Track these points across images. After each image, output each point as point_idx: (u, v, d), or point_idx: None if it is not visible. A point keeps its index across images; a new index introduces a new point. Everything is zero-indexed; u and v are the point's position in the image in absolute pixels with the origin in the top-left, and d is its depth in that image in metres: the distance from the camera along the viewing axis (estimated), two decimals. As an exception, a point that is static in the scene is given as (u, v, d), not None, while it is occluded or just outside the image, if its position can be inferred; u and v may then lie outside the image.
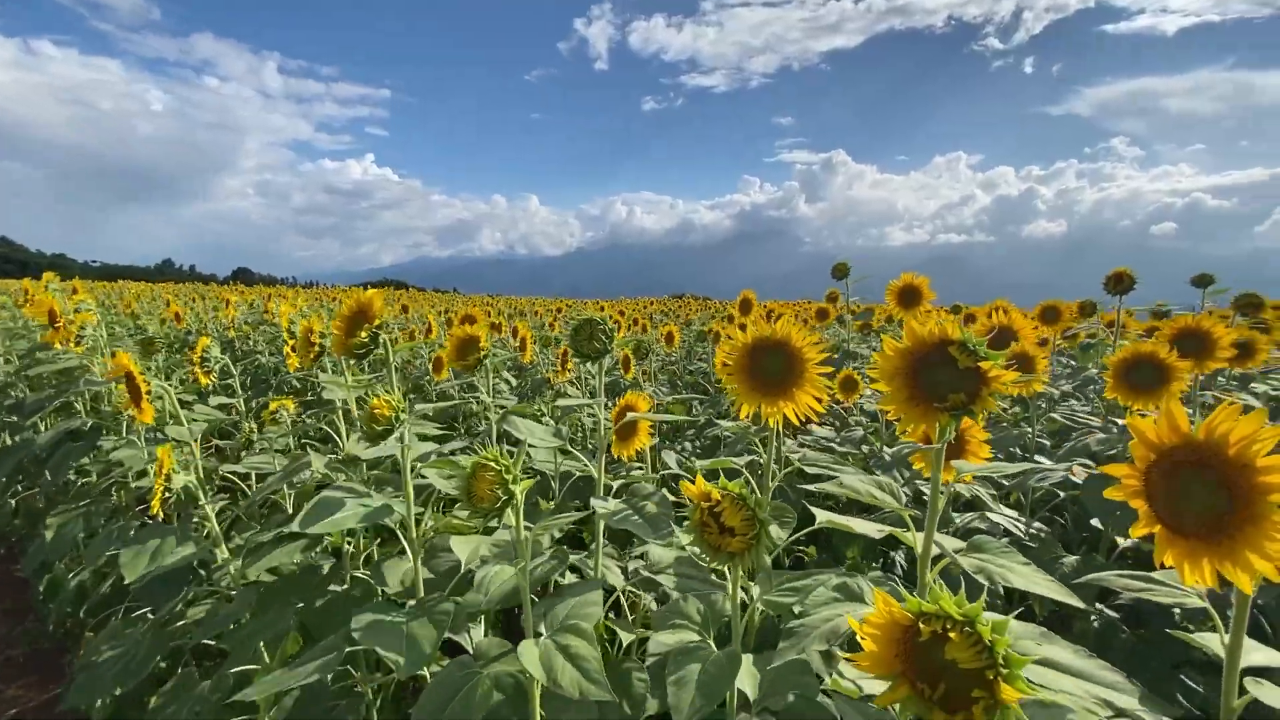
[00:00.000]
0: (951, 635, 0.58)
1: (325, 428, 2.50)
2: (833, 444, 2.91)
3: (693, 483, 0.93)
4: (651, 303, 17.36)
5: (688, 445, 3.54)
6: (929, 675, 0.62)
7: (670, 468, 3.05)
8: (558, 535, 1.52)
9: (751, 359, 1.23)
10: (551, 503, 2.16)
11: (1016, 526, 1.98)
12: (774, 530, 1.31)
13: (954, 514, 2.21)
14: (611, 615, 1.69)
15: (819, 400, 1.18)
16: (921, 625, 0.60)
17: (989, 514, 1.94)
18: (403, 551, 1.74)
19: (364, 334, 1.44)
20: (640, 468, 1.98)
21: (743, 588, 1.26)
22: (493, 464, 0.95)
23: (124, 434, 2.99)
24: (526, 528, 1.07)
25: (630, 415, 1.38)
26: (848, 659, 0.66)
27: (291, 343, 4.28)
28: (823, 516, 1.25)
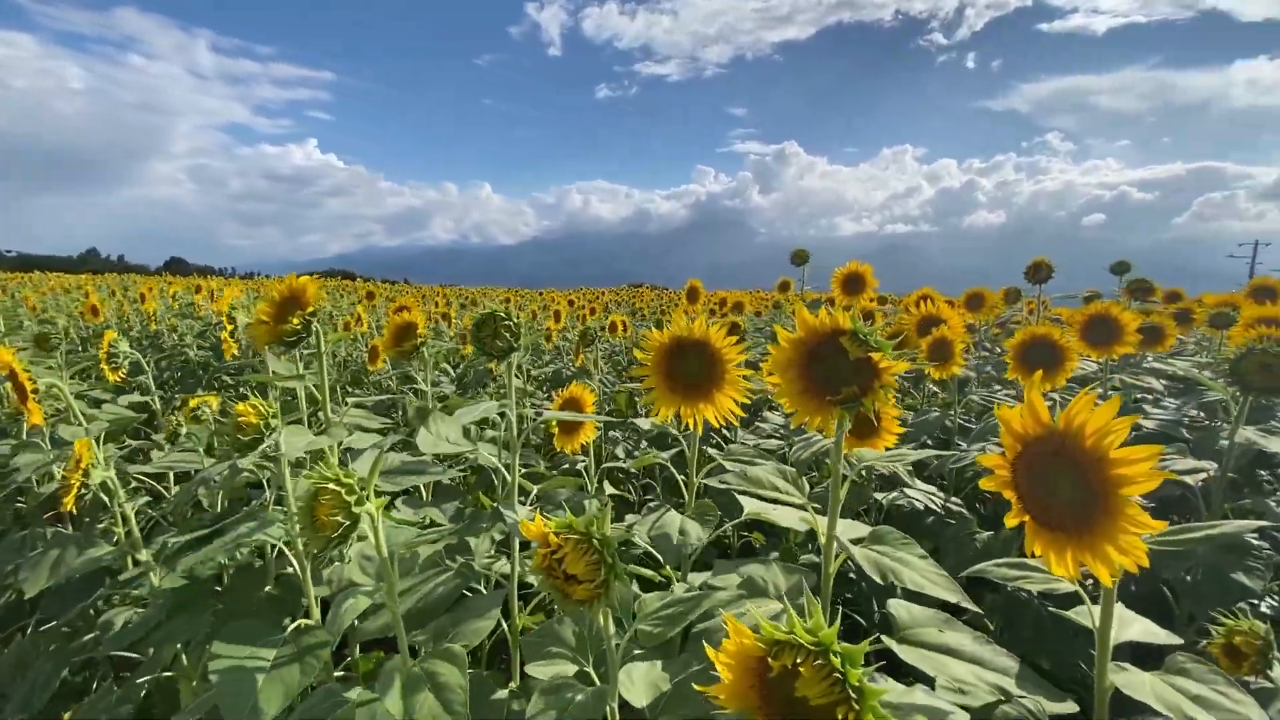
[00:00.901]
0: (802, 670, 0.55)
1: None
2: (775, 434, 2.94)
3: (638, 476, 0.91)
4: (605, 292, 17.27)
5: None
6: (784, 709, 0.60)
7: (619, 459, 3.03)
8: (497, 538, 1.48)
9: (670, 360, 1.18)
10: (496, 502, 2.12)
11: (933, 501, 2.05)
12: (693, 529, 1.31)
13: (876, 494, 2.27)
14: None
15: (739, 403, 1.16)
16: (771, 660, 0.57)
17: (906, 490, 2.00)
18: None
19: (296, 321, 1.36)
20: (584, 461, 1.96)
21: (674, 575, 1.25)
22: (333, 484, 0.86)
23: (23, 436, 2.79)
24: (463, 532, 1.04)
25: (547, 415, 1.35)
26: (701, 690, 0.64)
27: (230, 328, 4.06)
28: (751, 507, 1.24)
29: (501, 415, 1.32)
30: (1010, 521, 0.85)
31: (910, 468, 2.14)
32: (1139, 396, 2.97)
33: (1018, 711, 0.85)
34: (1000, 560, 0.96)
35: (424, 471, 1.23)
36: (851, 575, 2.08)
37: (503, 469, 1.30)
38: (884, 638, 0.99)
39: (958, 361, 2.52)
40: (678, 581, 1.50)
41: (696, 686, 0.84)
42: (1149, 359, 3.41)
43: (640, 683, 1.04)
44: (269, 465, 1.89)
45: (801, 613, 1.13)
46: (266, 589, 1.73)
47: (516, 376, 4.17)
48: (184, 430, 2.20)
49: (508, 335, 1.19)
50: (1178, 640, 0.93)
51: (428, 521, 1.58)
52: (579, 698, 0.93)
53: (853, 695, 0.55)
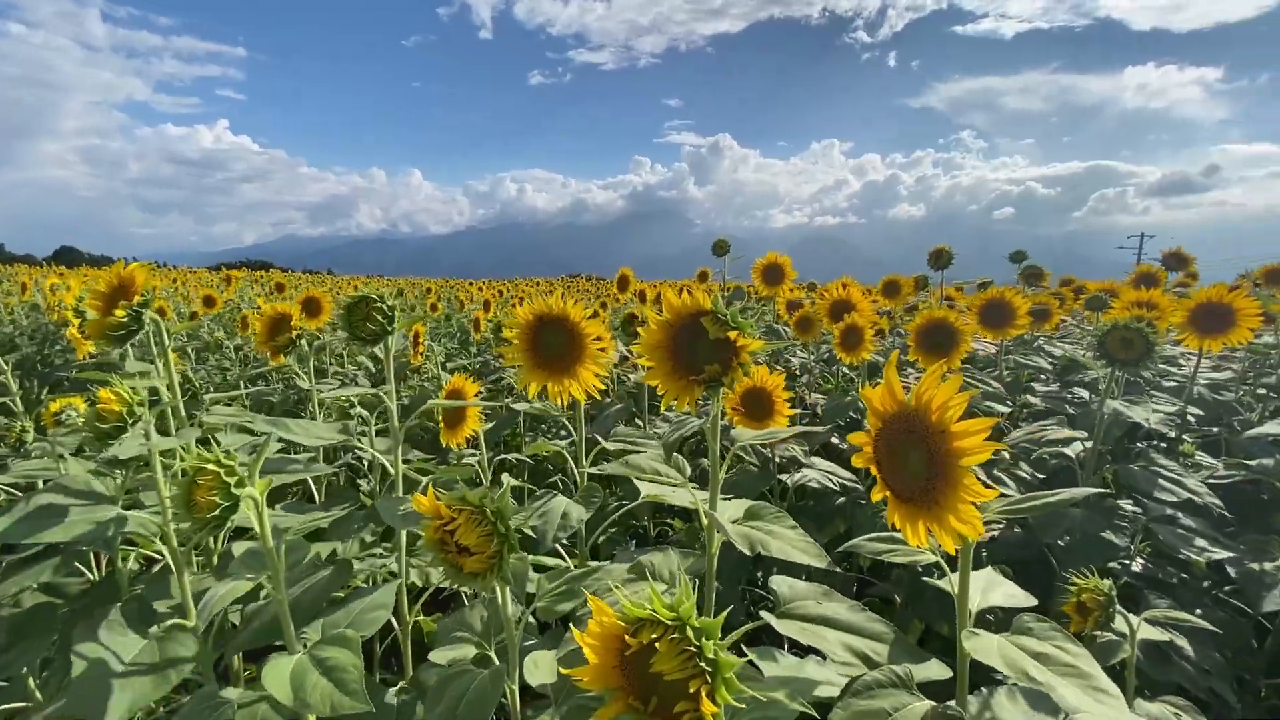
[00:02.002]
0: (658, 645, 0.56)
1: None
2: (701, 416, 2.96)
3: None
4: (541, 283, 17.03)
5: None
6: (644, 686, 0.59)
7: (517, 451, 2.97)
8: (369, 539, 1.41)
9: (534, 336, 1.19)
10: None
11: (831, 480, 2.10)
12: (575, 511, 1.29)
13: (780, 475, 2.32)
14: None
15: (600, 377, 1.16)
16: (627, 638, 0.57)
17: (806, 469, 2.05)
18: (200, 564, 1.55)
19: (121, 312, 1.23)
20: (474, 454, 1.90)
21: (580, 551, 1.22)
22: (211, 465, 0.81)
23: None
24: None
25: (432, 403, 1.29)
26: (567, 673, 0.63)
27: (77, 323, 3.71)
28: (648, 490, 1.23)
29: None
30: (875, 495, 0.87)
31: (806, 447, 2.19)
32: (1030, 374, 3.16)
33: (887, 677, 0.87)
34: (871, 535, 0.98)
35: (283, 469, 1.14)
36: (764, 555, 2.11)
37: (384, 461, 1.23)
38: (763, 613, 0.99)
39: (867, 347, 2.61)
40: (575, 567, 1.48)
41: (561, 669, 0.81)
42: (1040, 341, 3.64)
43: (544, 665, 1.02)
44: (106, 471, 1.74)
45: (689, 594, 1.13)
46: (137, 594, 1.59)
47: (443, 369, 3.99)
48: (30, 436, 1.99)
49: (380, 319, 1.12)
50: (1032, 601, 0.98)
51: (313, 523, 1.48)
52: (477, 680, 0.89)
53: (707, 668, 0.55)
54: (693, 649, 0.56)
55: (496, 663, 0.89)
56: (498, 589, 0.84)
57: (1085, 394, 2.95)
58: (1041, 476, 2.27)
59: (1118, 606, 1.16)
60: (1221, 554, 1.78)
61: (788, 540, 0.90)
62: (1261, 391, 2.72)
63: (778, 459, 2.14)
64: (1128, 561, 2.06)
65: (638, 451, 1.19)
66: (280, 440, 1.37)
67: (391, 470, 1.21)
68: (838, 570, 0.97)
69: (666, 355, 0.91)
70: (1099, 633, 1.22)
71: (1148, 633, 1.27)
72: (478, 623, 0.98)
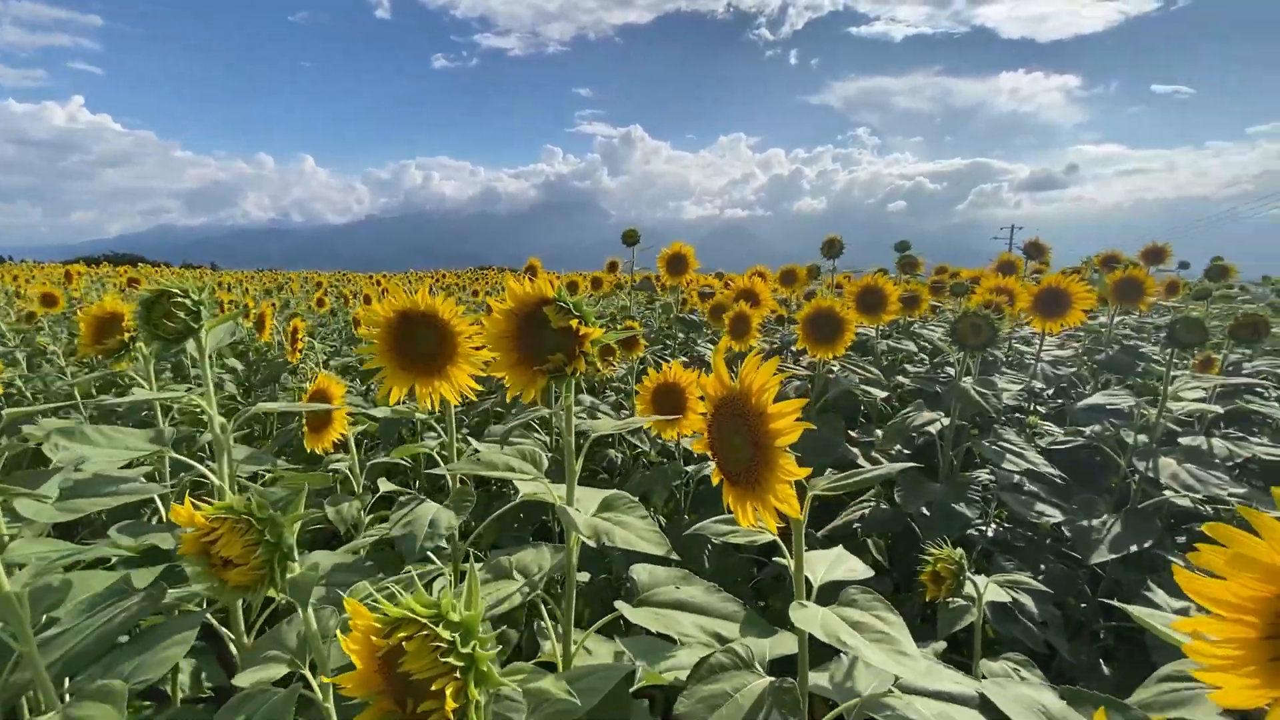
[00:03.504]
0: (406, 645, 0.53)
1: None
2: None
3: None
4: (446, 275, 16.41)
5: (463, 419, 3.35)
6: (402, 688, 0.56)
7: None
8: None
9: (399, 334, 1.12)
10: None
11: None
12: (444, 518, 1.23)
13: (687, 466, 2.35)
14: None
15: (476, 377, 1.11)
16: (375, 639, 0.54)
17: (708, 460, 2.08)
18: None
19: None
20: (343, 459, 1.78)
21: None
22: None
23: None
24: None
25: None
26: (329, 681, 0.59)
27: None
28: (526, 489, 1.19)
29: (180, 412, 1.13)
30: (714, 479, 0.88)
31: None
32: (905, 357, 3.38)
33: (730, 658, 0.89)
34: (716, 518, 1.00)
35: (99, 493, 1.00)
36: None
37: (209, 473, 1.12)
38: (617, 603, 0.99)
39: (753, 335, 2.69)
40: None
41: (324, 678, 0.77)
42: (916, 326, 3.89)
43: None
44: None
45: (540, 587, 1.10)
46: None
47: (325, 368, 3.74)
48: None
49: (183, 315, 1.00)
50: (869, 574, 1.03)
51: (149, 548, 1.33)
52: (271, 701, 0.82)
53: (458, 665, 0.53)
54: (444, 645, 0.54)
55: (312, 680, 0.83)
56: (298, 606, 0.78)
57: (953, 373, 3.19)
58: (907, 452, 2.43)
59: (968, 573, 1.25)
60: (1057, 515, 1.97)
61: (635, 530, 0.90)
62: (1095, 367, 3.04)
63: (683, 450, 2.16)
64: (984, 528, 2.24)
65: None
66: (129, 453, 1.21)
67: (218, 480, 1.10)
68: (674, 558, 0.98)
69: (512, 346, 0.88)
70: (952, 599, 1.31)
71: (995, 594, 1.37)
72: (293, 639, 0.91)
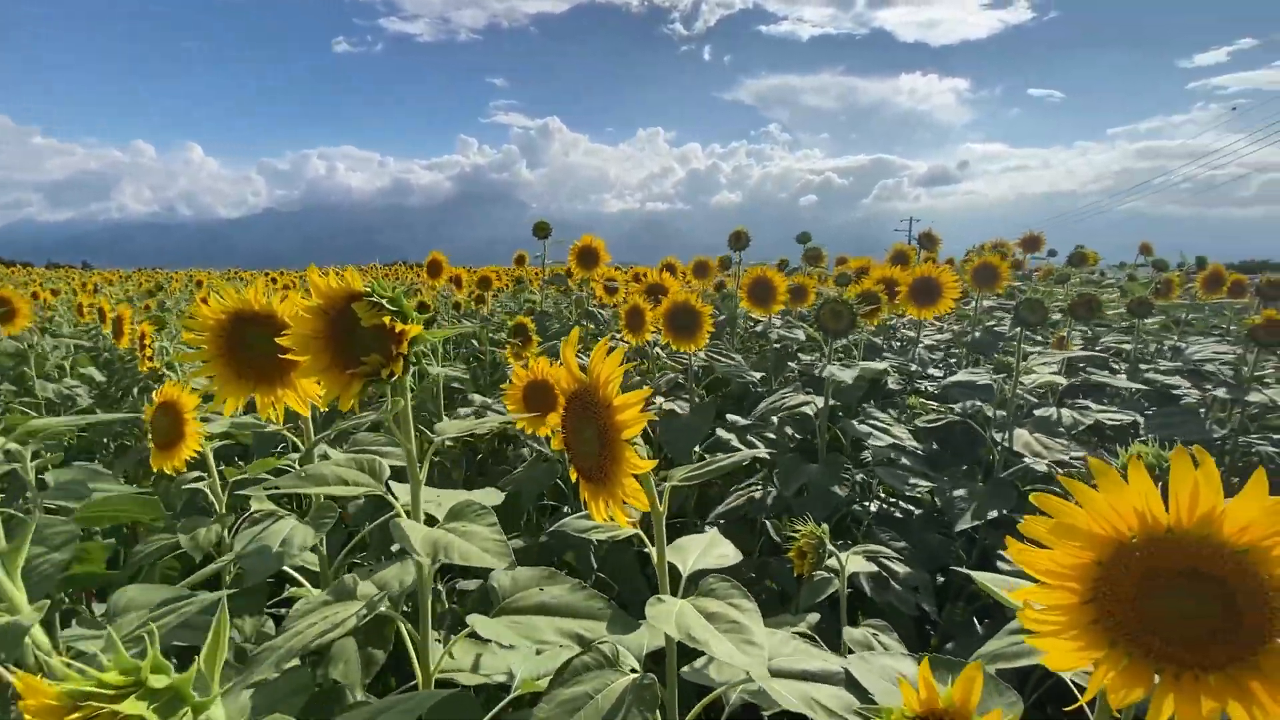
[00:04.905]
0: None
1: None
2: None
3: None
4: (347, 270, 15.46)
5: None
6: None
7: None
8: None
9: (232, 338, 1.01)
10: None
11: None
12: (300, 536, 1.13)
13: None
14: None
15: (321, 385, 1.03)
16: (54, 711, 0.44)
17: None
18: None
19: None
20: (204, 477, 1.62)
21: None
22: None
23: None
24: None
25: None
26: None
27: None
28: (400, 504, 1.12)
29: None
30: (572, 475, 0.85)
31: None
32: (799, 346, 3.50)
33: (594, 659, 0.86)
34: (578, 514, 0.97)
35: None
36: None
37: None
38: (469, 617, 0.94)
39: (648, 329, 2.69)
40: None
41: None
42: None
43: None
44: None
45: (399, 604, 1.03)
46: None
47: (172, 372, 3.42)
48: None
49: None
50: (739, 558, 1.03)
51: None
52: None
53: None
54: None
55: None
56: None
57: (843, 360, 3.35)
58: (800, 436, 2.52)
59: (829, 547, 1.30)
60: (928, 486, 2.09)
61: (477, 540, 0.85)
62: (961, 350, 3.28)
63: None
64: (866, 504, 2.36)
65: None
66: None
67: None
68: (523, 567, 0.95)
69: (324, 347, 0.81)
70: (817, 572, 1.36)
71: (859, 565, 1.44)
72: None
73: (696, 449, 2.27)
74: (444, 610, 1.67)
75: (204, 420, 1.70)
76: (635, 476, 0.71)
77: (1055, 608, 0.53)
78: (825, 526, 1.29)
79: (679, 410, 2.38)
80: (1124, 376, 2.72)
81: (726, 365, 2.53)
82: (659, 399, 2.45)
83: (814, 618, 1.27)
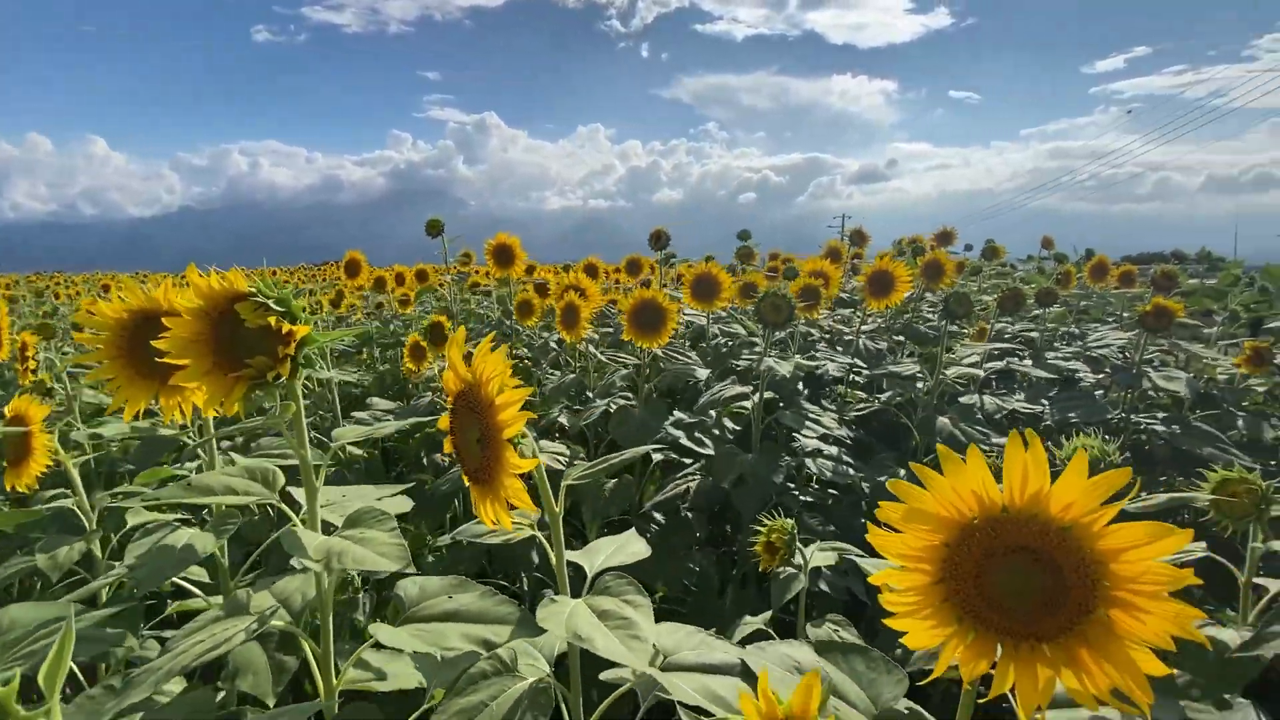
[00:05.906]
0: None
1: None
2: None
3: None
4: (278, 271, 14.81)
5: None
6: None
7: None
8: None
9: (135, 338, 0.95)
10: None
11: (559, 461, 2.13)
12: (201, 543, 1.07)
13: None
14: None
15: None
16: None
17: (540, 453, 2.05)
18: None
19: None
20: (66, 495, 1.52)
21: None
22: None
23: None
24: None
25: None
26: None
27: None
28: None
29: None
30: (464, 478, 0.83)
31: (533, 434, 2.19)
32: (741, 341, 3.56)
33: (492, 665, 0.85)
34: (476, 520, 0.95)
35: None
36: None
37: None
38: (372, 628, 0.91)
39: (583, 327, 2.67)
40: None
41: None
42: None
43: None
44: None
45: (298, 619, 0.99)
46: None
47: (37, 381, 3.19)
48: None
49: None
50: (647, 553, 1.03)
51: None
52: None
53: None
54: None
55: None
56: None
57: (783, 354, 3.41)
58: (738, 428, 2.56)
59: (798, 543, 1.30)
60: (856, 474, 2.16)
61: (373, 546, 0.82)
62: (900, 340, 3.39)
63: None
64: (797, 492, 2.42)
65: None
66: None
67: None
68: (411, 570, 0.93)
69: (207, 350, 0.76)
70: (783, 568, 1.35)
71: (823, 560, 1.43)
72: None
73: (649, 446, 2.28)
74: (367, 621, 1.62)
75: (100, 423, 1.60)
76: (519, 476, 0.69)
77: (910, 589, 0.55)
78: (794, 522, 1.28)
79: (632, 409, 2.38)
80: (1029, 362, 2.88)
81: (683, 363, 2.54)
82: (612, 398, 2.45)
83: (766, 614, 1.27)
